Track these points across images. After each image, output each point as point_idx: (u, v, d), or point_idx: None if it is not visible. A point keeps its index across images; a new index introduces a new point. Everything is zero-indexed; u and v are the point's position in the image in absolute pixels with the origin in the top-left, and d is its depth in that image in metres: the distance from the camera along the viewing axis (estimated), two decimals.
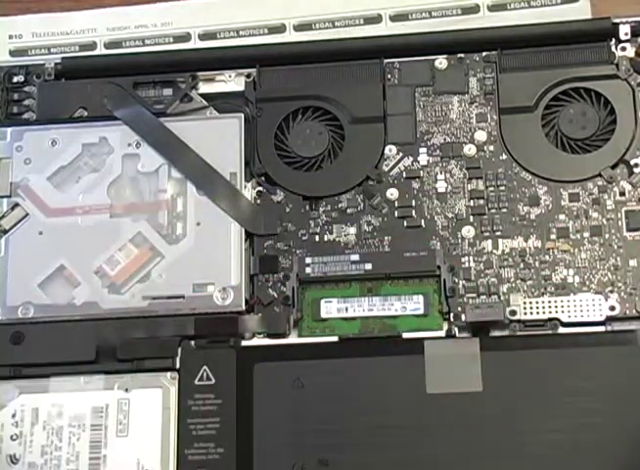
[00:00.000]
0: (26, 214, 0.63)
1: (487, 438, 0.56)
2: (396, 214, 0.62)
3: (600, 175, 0.61)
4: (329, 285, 0.61)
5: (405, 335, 0.59)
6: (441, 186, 0.62)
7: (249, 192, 0.63)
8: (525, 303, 0.59)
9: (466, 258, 0.60)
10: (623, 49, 0.62)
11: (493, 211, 0.61)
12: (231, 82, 0.65)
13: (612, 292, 0.59)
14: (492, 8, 0.68)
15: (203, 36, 0.70)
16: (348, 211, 0.62)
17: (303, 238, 0.62)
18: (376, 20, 0.69)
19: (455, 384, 0.57)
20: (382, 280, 0.60)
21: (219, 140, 0.63)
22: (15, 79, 0.66)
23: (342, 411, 0.57)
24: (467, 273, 0.60)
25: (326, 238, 0.62)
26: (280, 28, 0.69)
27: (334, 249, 0.61)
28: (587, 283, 0.59)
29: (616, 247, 0.60)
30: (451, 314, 0.59)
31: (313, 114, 0.64)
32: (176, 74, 0.65)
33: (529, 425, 0.56)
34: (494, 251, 0.60)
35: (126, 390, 0.59)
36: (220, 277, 0.60)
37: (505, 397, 0.57)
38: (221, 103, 0.64)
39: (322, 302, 0.60)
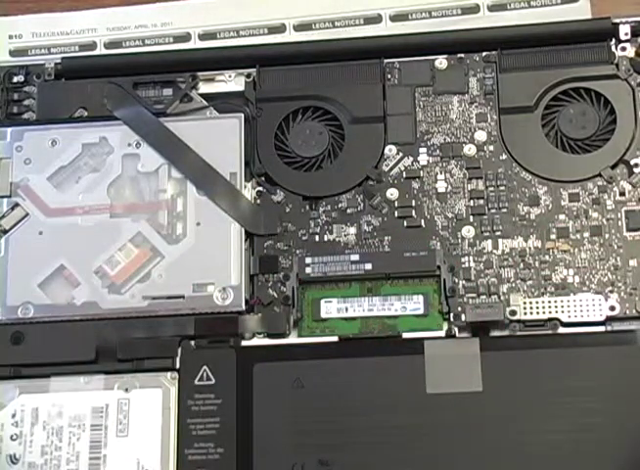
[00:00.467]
0: (26, 214, 0.63)
1: (487, 438, 0.56)
2: (396, 214, 0.62)
3: (600, 175, 0.61)
4: (329, 285, 0.61)
5: (405, 335, 0.59)
6: (441, 186, 0.62)
7: (249, 192, 0.63)
8: (525, 303, 0.59)
9: (466, 258, 0.60)
10: (623, 49, 0.62)
11: (493, 211, 0.61)
12: (231, 82, 0.65)
13: (612, 292, 0.59)
14: (492, 8, 0.68)
15: (203, 36, 0.70)
16: (348, 211, 0.62)
17: (303, 238, 0.62)
18: (376, 20, 0.69)
19: (455, 384, 0.57)
20: (382, 280, 0.60)
21: (219, 140, 0.63)
22: (15, 79, 0.66)
23: (343, 411, 0.57)
24: (467, 273, 0.60)
25: (326, 238, 0.62)
26: (280, 28, 0.69)
27: (334, 249, 0.61)
28: (587, 283, 0.59)
29: (616, 247, 0.60)
30: (451, 314, 0.59)
31: (313, 114, 0.64)
32: (176, 74, 0.65)
33: (529, 425, 0.56)
34: (494, 251, 0.60)
35: (126, 390, 0.59)
36: (220, 277, 0.60)
37: (505, 397, 0.57)
38: (221, 103, 0.64)
39: (322, 302, 0.60)
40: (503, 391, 0.57)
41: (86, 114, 0.65)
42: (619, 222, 0.60)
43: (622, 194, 0.61)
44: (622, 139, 0.61)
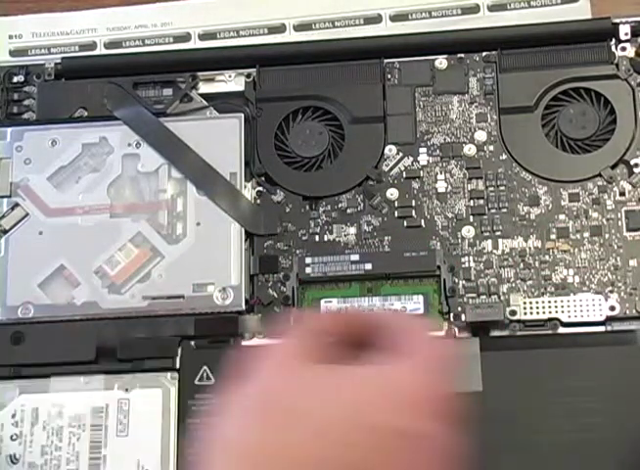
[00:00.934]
0: (26, 214, 0.63)
1: (487, 438, 0.56)
2: (396, 214, 0.62)
3: (600, 175, 0.61)
4: (329, 285, 0.61)
5: None
6: (441, 186, 0.62)
7: (249, 192, 0.63)
8: (525, 303, 0.59)
9: (466, 258, 0.60)
10: (623, 49, 0.62)
11: (493, 210, 0.61)
12: (231, 82, 0.65)
13: (612, 292, 0.59)
14: (492, 8, 0.68)
15: (203, 36, 0.70)
16: (348, 211, 0.62)
17: (303, 238, 0.62)
18: (376, 20, 0.69)
19: (455, 384, 0.57)
20: (382, 280, 0.60)
21: (219, 140, 0.63)
22: (15, 79, 0.66)
23: None
24: (467, 273, 0.60)
25: (326, 238, 0.62)
26: (280, 28, 0.69)
27: (334, 249, 0.61)
28: (587, 283, 0.59)
29: (616, 247, 0.60)
30: (451, 314, 0.59)
31: (313, 114, 0.64)
32: (176, 74, 0.65)
33: (529, 425, 0.56)
34: (494, 251, 0.60)
35: (126, 390, 0.59)
36: (220, 277, 0.60)
37: (505, 396, 0.56)
38: (221, 103, 0.64)
39: (322, 302, 0.60)
40: (503, 391, 0.57)
41: (86, 114, 0.65)
42: (619, 222, 0.60)
43: (622, 194, 0.61)
44: (622, 139, 0.61)
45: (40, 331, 0.61)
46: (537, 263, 0.60)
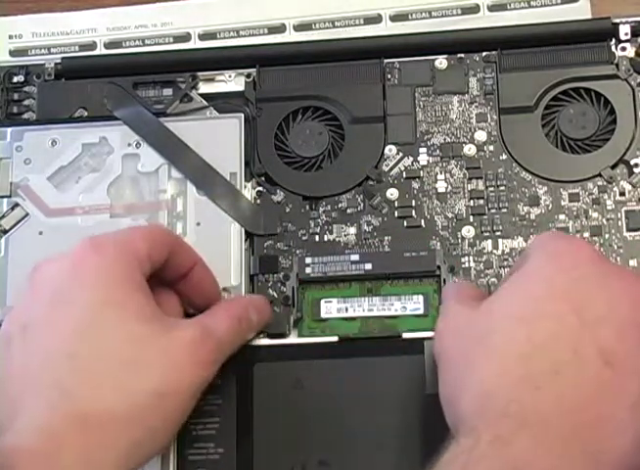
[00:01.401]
0: (26, 214, 0.63)
1: None
2: (396, 214, 0.62)
3: (600, 175, 0.61)
4: (329, 285, 0.61)
5: (405, 335, 0.59)
6: (441, 186, 0.62)
7: (249, 192, 0.63)
8: None
9: (466, 258, 0.60)
10: (623, 49, 0.62)
11: (493, 211, 0.61)
12: (231, 82, 0.65)
13: None
14: (492, 8, 0.68)
15: (203, 36, 0.70)
16: (348, 211, 0.62)
17: (303, 238, 0.62)
18: (376, 20, 0.69)
19: None
20: (382, 280, 0.60)
21: (219, 140, 0.63)
22: (15, 79, 0.66)
23: (342, 411, 0.57)
24: (467, 273, 0.60)
25: (326, 238, 0.62)
26: (280, 28, 0.69)
27: (334, 249, 0.61)
28: None
29: (616, 247, 0.60)
30: None
31: (313, 114, 0.64)
32: (176, 74, 0.65)
33: None
34: (494, 251, 0.60)
35: None
36: (220, 277, 0.60)
37: None
38: (221, 103, 0.64)
39: (322, 302, 0.60)
40: None
41: (86, 114, 0.65)
42: (619, 222, 0.60)
43: (622, 194, 0.61)
44: (622, 139, 0.61)
45: None
46: None
